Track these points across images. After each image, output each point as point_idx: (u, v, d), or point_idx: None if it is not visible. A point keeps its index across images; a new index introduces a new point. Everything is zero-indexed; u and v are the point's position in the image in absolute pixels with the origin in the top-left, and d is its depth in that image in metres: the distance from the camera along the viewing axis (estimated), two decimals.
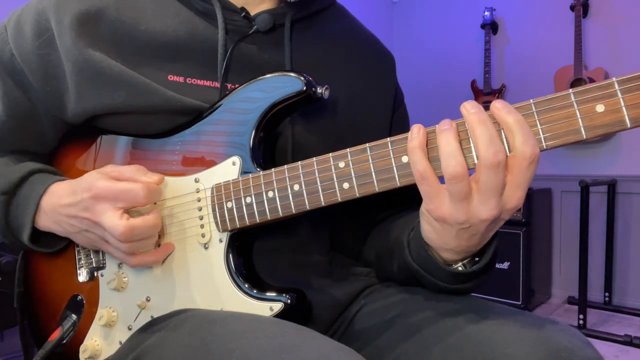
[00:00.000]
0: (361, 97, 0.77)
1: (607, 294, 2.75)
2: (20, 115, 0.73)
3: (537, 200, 2.75)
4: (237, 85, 0.66)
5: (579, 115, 0.43)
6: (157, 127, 0.68)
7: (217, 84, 0.69)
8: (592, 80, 2.75)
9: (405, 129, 0.82)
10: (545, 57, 3.04)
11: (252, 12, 0.72)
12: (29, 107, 0.72)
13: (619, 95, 0.41)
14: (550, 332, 0.52)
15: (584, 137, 0.43)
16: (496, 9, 3.23)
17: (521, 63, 3.17)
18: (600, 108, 0.42)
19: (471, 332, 0.55)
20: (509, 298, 2.62)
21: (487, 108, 0.47)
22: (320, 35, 0.77)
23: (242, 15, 0.71)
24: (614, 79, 0.41)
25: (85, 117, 0.69)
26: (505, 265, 2.67)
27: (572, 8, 2.84)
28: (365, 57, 0.81)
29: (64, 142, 0.76)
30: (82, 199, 0.61)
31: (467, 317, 0.58)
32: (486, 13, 3.21)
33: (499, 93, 3.16)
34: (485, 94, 3.19)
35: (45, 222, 0.67)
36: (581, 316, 2.35)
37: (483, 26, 3.22)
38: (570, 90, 0.43)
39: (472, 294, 0.64)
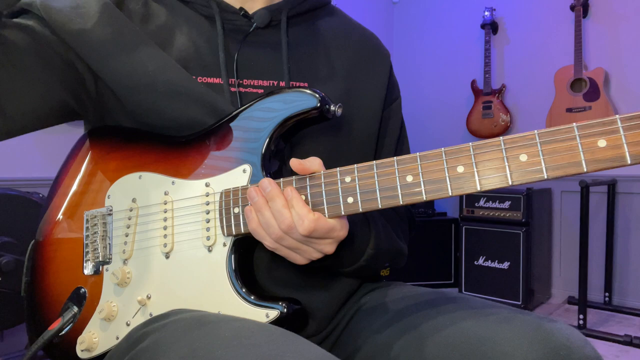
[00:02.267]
0: (354, 91, 0.79)
1: (607, 294, 2.76)
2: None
3: (537, 200, 2.75)
4: (242, 81, 0.73)
5: (580, 149, 0.44)
6: (176, 111, 0.70)
7: (221, 81, 0.73)
8: (592, 80, 2.75)
9: (395, 125, 0.85)
10: (545, 57, 3.04)
11: (250, 11, 0.76)
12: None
13: (621, 132, 0.41)
14: (548, 331, 0.53)
15: (585, 170, 0.43)
16: (496, 9, 3.23)
17: (521, 63, 3.17)
18: (602, 143, 0.42)
19: (470, 330, 0.56)
20: (509, 298, 2.63)
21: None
22: (315, 30, 0.81)
23: (241, 14, 0.74)
24: (617, 116, 0.42)
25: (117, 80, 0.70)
26: (505, 265, 2.68)
27: (572, 8, 2.84)
28: (359, 52, 0.82)
29: (93, 142, 0.76)
30: None
31: (466, 316, 0.59)
32: (486, 13, 3.20)
33: (499, 93, 3.16)
34: (485, 94, 3.19)
35: None
36: (581, 316, 2.36)
37: (483, 26, 3.22)
38: (574, 124, 0.44)
39: (471, 293, 0.66)
